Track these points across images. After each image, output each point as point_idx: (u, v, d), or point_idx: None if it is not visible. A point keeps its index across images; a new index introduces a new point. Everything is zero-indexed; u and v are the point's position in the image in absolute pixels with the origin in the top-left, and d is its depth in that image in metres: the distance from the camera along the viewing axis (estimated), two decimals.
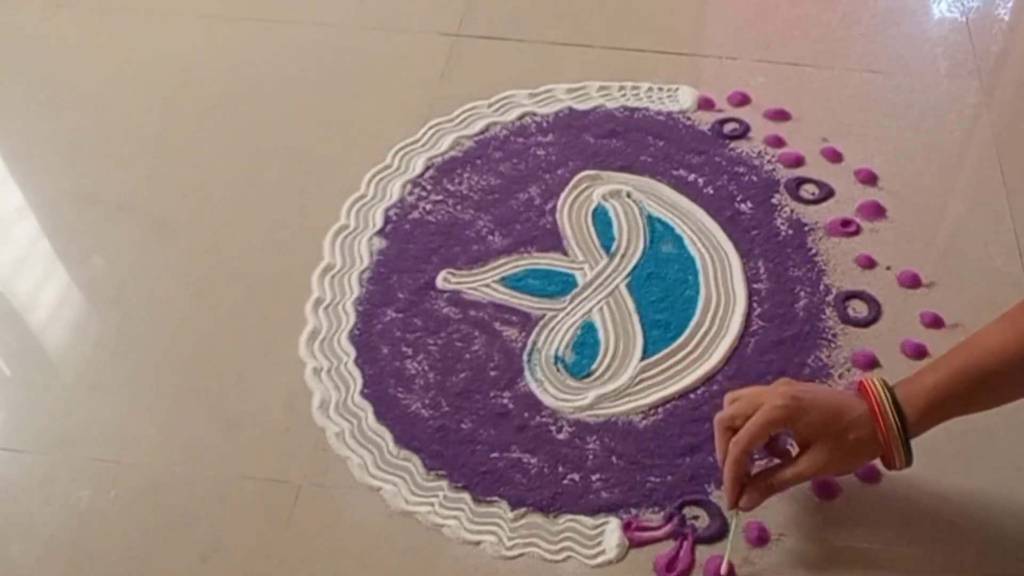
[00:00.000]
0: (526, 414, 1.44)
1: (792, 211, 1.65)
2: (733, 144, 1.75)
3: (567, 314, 1.54)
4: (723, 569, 1.27)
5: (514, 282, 1.58)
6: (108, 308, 1.58)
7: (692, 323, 1.53)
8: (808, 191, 1.68)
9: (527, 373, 1.47)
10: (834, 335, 1.51)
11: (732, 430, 1.24)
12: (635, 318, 1.53)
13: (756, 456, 1.30)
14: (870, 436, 1.21)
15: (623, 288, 1.57)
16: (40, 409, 1.47)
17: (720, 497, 1.34)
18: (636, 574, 1.30)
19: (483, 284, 1.58)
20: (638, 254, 1.61)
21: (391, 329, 1.54)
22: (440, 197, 1.69)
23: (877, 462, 1.26)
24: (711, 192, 1.69)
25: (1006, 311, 1.24)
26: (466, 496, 1.37)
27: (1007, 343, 1.19)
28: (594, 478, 1.38)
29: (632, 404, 1.45)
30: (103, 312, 1.58)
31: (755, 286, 1.56)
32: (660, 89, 1.85)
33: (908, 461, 1.23)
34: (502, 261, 1.61)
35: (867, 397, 1.23)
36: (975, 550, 1.30)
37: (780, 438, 1.29)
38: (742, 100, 1.82)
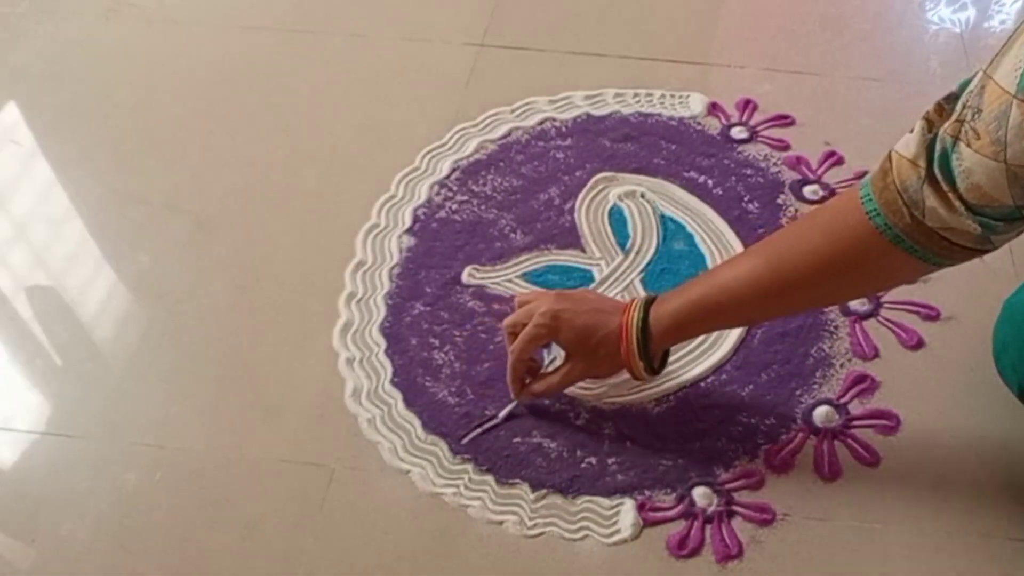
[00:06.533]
0: (546, 402, 1.44)
1: (796, 211, 1.65)
2: (741, 148, 1.75)
3: None
4: (501, 414, 1.42)
5: (535, 277, 1.58)
6: (154, 302, 1.58)
7: None
8: (811, 192, 1.67)
9: (547, 363, 1.46)
10: (836, 327, 1.51)
11: (514, 335, 1.36)
12: None
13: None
14: (616, 351, 1.31)
15: (637, 283, 1.56)
16: (90, 397, 1.48)
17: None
18: (649, 552, 1.30)
19: (506, 279, 1.58)
20: (651, 251, 1.61)
21: (419, 321, 1.54)
22: (465, 197, 1.69)
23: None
24: (720, 192, 1.68)
25: (751, 246, 1.32)
26: (490, 479, 1.37)
27: (737, 280, 1.24)
28: (610, 462, 1.38)
29: (646, 392, 1.44)
30: (149, 306, 1.58)
31: None
32: (672, 96, 1.84)
33: (651, 372, 1.35)
34: (523, 257, 1.61)
35: (623, 315, 1.31)
36: (969, 529, 1.30)
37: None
38: (749, 106, 1.81)
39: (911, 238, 1.08)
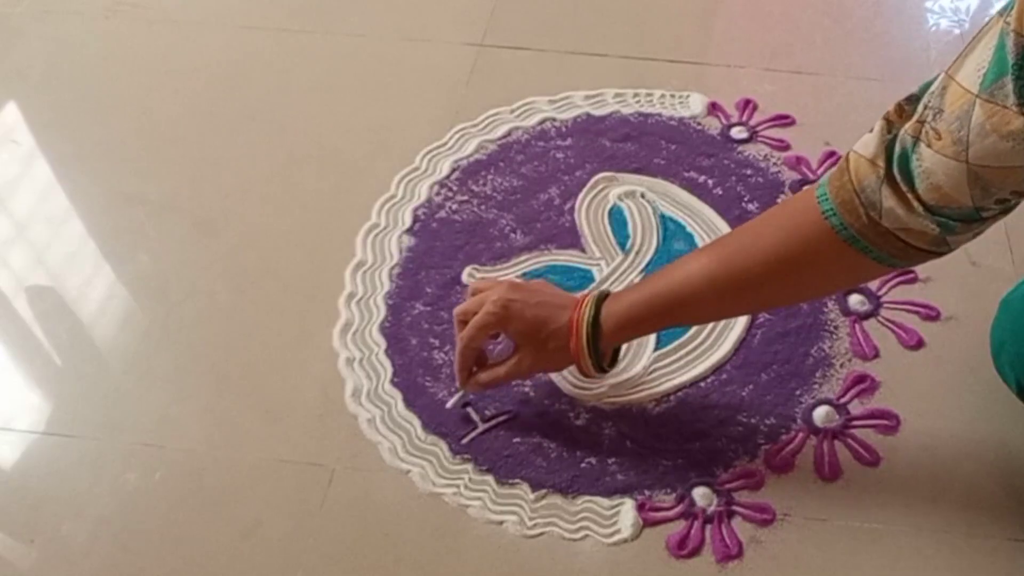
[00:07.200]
0: (546, 401, 1.44)
1: None
2: (741, 148, 1.75)
3: None
4: (449, 404, 1.43)
5: (535, 277, 1.57)
6: (153, 302, 1.58)
7: None
8: None
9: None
10: (836, 327, 1.50)
11: (464, 323, 1.34)
12: None
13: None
14: (566, 346, 1.30)
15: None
16: (90, 397, 1.48)
17: None
18: (649, 552, 1.30)
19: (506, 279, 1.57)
20: (651, 251, 1.60)
21: (419, 321, 1.53)
22: (465, 197, 1.69)
23: None
24: (720, 193, 1.68)
25: (706, 244, 1.34)
26: (490, 479, 1.37)
27: (690, 279, 1.23)
28: (610, 462, 1.38)
29: (646, 392, 1.44)
30: (149, 306, 1.58)
31: None
32: (672, 96, 1.84)
33: (600, 370, 1.33)
34: (524, 257, 1.61)
35: (575, 310, 1.30)
36: (969, 529, 1.30)
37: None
38: (749, 106, 1.81)
39: (866, 238, 1.08)
